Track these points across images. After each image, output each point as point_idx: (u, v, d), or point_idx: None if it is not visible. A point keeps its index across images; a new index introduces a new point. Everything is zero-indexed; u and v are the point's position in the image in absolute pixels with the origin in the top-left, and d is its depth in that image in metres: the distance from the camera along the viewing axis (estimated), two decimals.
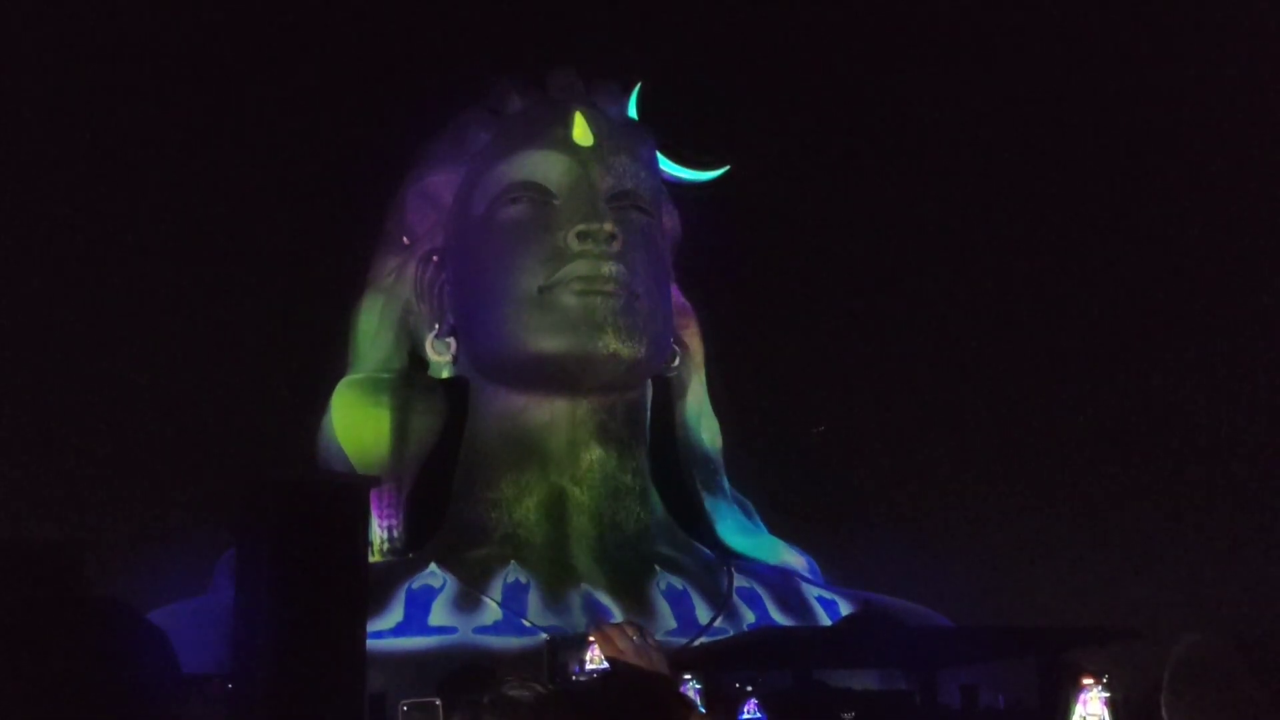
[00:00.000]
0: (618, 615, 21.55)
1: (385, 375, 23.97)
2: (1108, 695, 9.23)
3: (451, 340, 23.86)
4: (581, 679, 14.94)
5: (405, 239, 24.61)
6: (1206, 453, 26.95)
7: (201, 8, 26.05)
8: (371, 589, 17.91)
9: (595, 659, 14.57)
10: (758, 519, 24.95)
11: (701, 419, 25.19)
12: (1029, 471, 27.10)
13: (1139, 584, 24.98)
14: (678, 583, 22.46)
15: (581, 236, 22.54)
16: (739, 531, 24.36)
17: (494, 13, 27.87)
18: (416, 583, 21.59)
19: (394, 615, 20.65)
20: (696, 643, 20.72)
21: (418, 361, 24.39)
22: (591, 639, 14.65)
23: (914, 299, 28.01)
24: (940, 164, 28.26)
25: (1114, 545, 25.84)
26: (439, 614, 21.45)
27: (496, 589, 21.75)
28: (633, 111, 25.52)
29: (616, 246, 22.60)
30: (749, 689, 15.37)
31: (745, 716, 14.80)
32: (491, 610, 21.55)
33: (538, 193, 23.34)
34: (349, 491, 16.42)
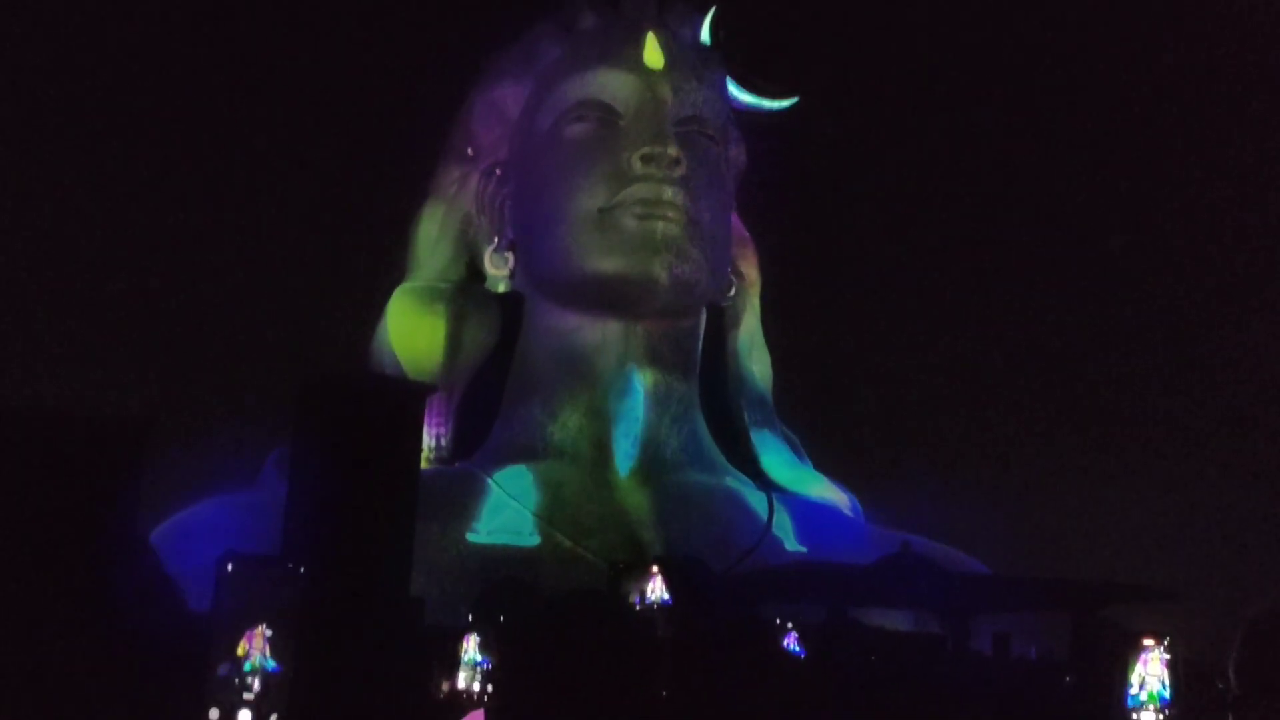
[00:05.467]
0: (655, 538, 21.73)
1: (442, 285, 24.03)
2: (1169, 657, 9.26)
3: (510, 255, 23.92)
4: (644, 608, 15.09)
5: (470, 150, 24.55)
6: (1253, 417, 26.77)
7: None
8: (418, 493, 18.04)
9: (658, 589, 14.78)
10: (804, 454, 24.99)
11: (753, 350, 25.17)
12: (1078, 427, 27.00)
13: (1177, 544, 24.93)
14: (718, 510, 22.61)
15: (645, 159, 22.47)
16: (784, 465, 24.41)
17: None
18: (460, 492, 21.83)
19: (437, 522, 20.82)
20: (734, 571, 20.86)
21: (475, 273, 24.49)
22: (654, 570, 14.83)
23: (977, 242, 27.77)
24: (1009, 105, 27.92)
25: (1157, 504, 25.76)
26: (481, 524, 21.70)
27: (539, 503, 21.97)
28: (706, 36, 25.27)
29: (679, 171, 22.51)
30: (789, 624, 15.46)
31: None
32: (532, 524, 21.77)
33: (604, 112, 23.24)
34: (407, 396, 16.51)
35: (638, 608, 15.28)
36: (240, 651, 10.16)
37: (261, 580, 10.85)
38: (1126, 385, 27.62)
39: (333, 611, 14.23)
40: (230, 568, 10.79)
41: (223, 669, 10.23)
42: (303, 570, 11.09)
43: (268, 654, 10.30)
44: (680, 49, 24.10)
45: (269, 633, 10.40)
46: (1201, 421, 27.14)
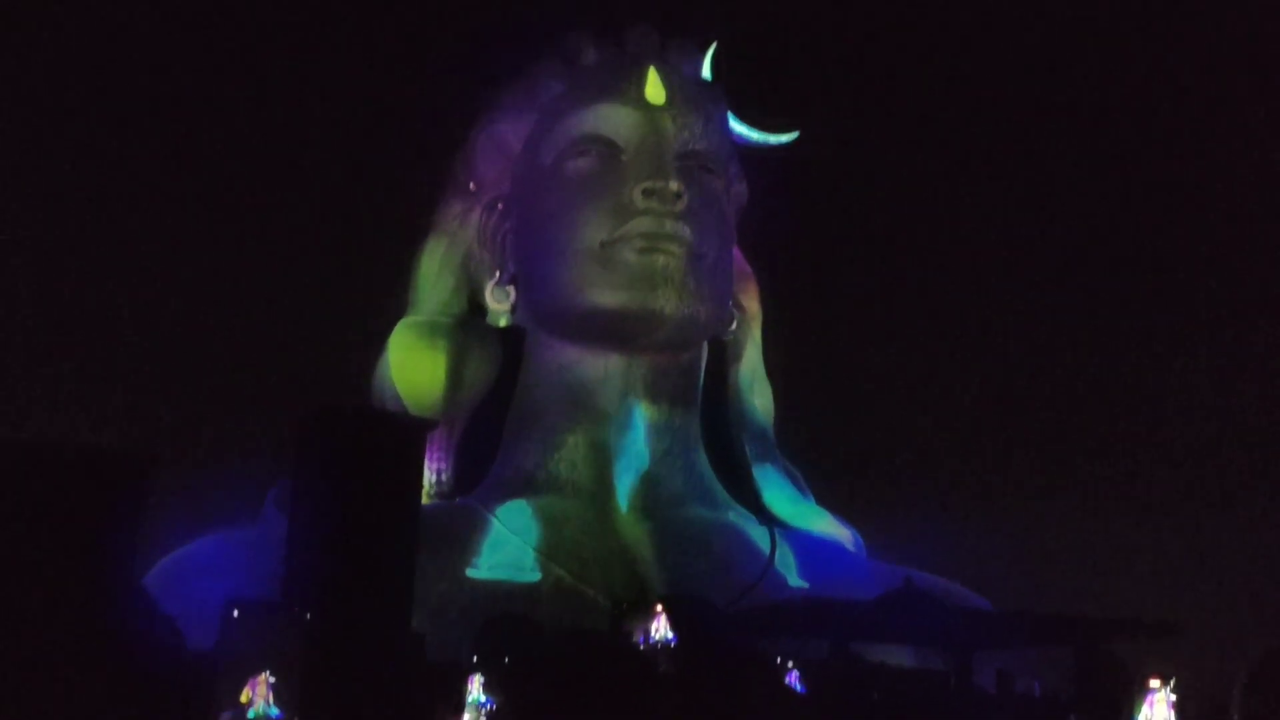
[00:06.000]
0: (656, 575, 21.68)
1: (444, 319, 24.09)
2: (1174, 698, 9.24)
3: (511, 289, 24.01)
4: (648, 647, 15.10)
5: (472, 185, 24.69)
6: (1255, 457, 26.80)
7: None
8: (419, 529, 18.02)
9: (662, 629, 14.82)
10: (805, 488, 24.97)
11: (755, 384, 25.20)
12: (1080, 463, 27.00)
13: (1179, 579, 24.89)
14: (720, 545, 22.59)
15: (647, 194, 22.62)
16: (786, 499, 24.40)
17: None
18: (461, 527, 21.79)
19: (438, 557, 20.71)
20: (736, 606, 20.79)
21: (476, 307, 24.54)
22: (659, 608, 14.86)
23: (980, 278, 27.80)
24: (1010, 141, 28.02)
25: (1156, 540, 25.74)
26: (481, 560, 21.65)
27: (540, 539, 21.92)
28: (707, 72, 25.43)
29: (681, 205, 22.67)
30: (790, 663, 15.46)
31: None
32: (533, 560, 21.71)
33: (606, 147, 23.38)
34: (408, 431, 16.54)
35: (642, 646, 15.27)
36: (244, 699, 10.12)
37: (265, 626, 10.80)
38: (1129, 423, 27.66)
39: (336, 656, 14.19)
40: (235, 614, 10.75)
41: (226, 716, 10.19)
42: (308, 616, 11.05)
43: (271, 701, 10.26)
44: (682, 84, 24.27)
45: (272, 680, 10.35)
46: (1204, 459, 27.16)
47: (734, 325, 24.82)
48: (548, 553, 21.68)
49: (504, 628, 17.96)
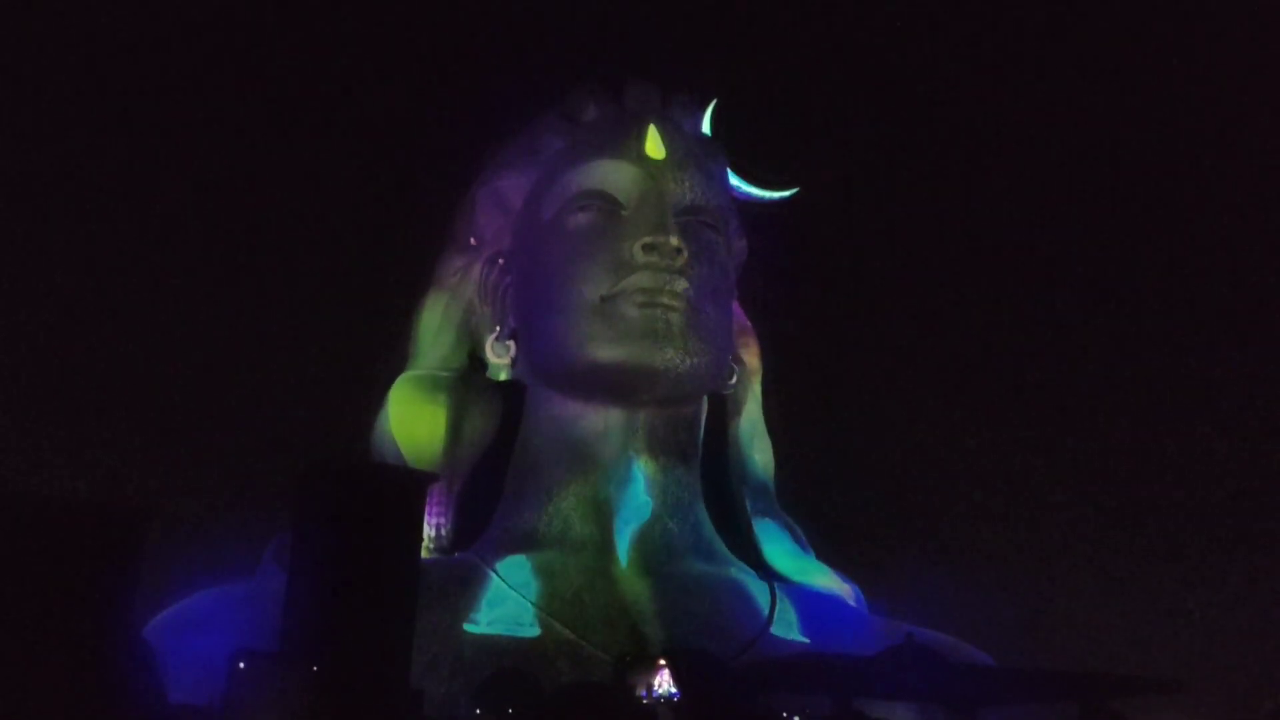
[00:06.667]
0: (657, 630, 21.56)
1: (444, 373, 24.19)
2: None
3: (511, 343, 24.11)
4: (650, 701, 15.04)
5: (472, 240, 24.88)
6: (1261, 514, 26.76)
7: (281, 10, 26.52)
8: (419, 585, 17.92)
9: (665, 683, 14.74)
10: (806, 543, 24.90)
11: (755, 439, 25.24)
12: (1082, 519, 26.97)
13: (1181, 636, 24.79)
14: (721, 600, 22.47)
15: (647, 249, 22.76)
16: (786, 554, 24.33)
17: (572, 23, 28.04)
18: (460, 582, 21.67)
19: (436, 612, 20.61)
20: (738, 661, 20.66)
21: (477, 362, 24.62)
22: (662, 663, 14.81)
23: (980, 331, 27.88)
24: (1009, 193, 28.16)
25: (1160, 596, 25.66)
26: (480, 615, 21.51)
27: (539, 594, 21.79)
28: (707, 128, 25.66)
29: (681, 261, 22.82)
30: (795, 718, 15.40)
31: None
32: (532, 615, 21.58)
33: (607, 202, 23.55)
34: (408, 485, 16.50)
35: (645, 701, 15.17)
36: None
37: (271, 678, 10.71)
38: (1130, 479, 27.64)
39: (334, 710, 14.06)
40: (242, 665, 10.68)
41: None
42: (315, 669, 10.97)
43: None
44: (682, 140, 24.47)
45: None
46: (1210, 516, 27.14)
47: (734, 380, 24.90)
48: (547, 608, 21.56)
49: (506, 683, 17.83)
